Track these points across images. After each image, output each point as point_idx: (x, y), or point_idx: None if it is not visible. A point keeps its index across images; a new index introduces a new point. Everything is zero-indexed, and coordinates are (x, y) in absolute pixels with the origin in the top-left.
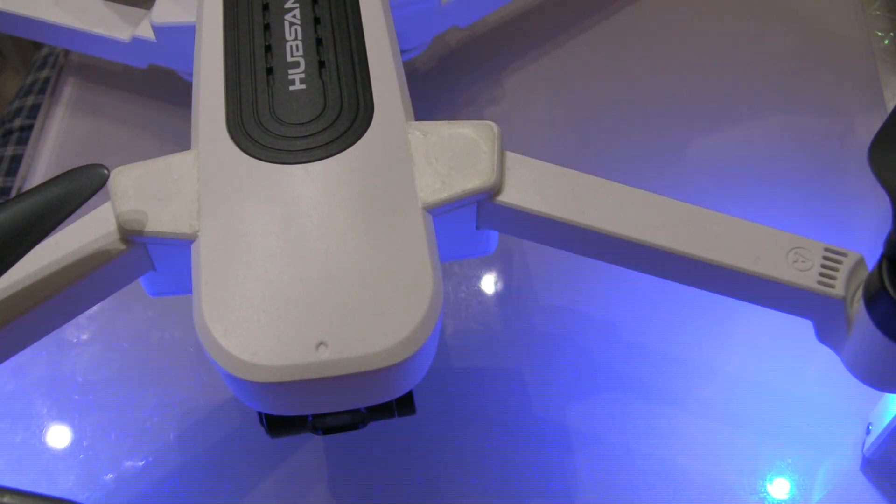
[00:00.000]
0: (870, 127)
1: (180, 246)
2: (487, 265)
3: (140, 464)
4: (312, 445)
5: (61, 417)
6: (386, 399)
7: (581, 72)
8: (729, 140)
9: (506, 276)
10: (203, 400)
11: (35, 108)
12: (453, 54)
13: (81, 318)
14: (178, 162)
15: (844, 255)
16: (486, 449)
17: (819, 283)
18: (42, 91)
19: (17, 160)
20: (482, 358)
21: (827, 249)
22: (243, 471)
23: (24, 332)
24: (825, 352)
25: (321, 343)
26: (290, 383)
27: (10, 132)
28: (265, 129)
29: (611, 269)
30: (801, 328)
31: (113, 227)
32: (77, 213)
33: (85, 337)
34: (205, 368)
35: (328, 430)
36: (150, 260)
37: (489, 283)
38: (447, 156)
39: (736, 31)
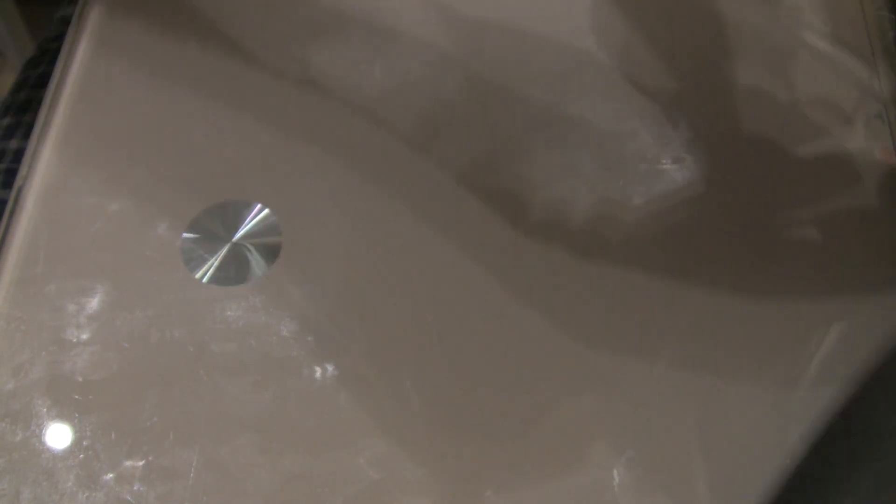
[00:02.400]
0: (869, 126)
1: None
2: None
3: (140, 464)
4: (313, 447)
5: (61, 417)
6: None
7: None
8: (727, 130)
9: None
10: (203, 399)
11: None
12: None
13: (82, 318)
14: None
15: None
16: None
17: None
18: (37, 85)
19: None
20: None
21: None
22: (244, 470)
23: None
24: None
25: None
26: None
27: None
28: None
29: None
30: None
31: None
32: None
33: (85, 337)
34: (205, 368)
35: None
36: None
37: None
38: None
39: (735, 27)
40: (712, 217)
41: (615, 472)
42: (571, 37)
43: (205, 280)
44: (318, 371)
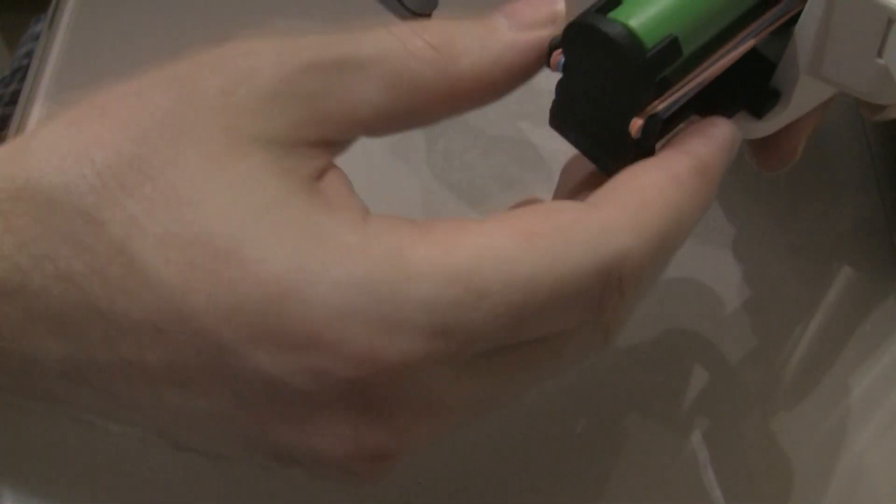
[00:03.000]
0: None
1: None
2: None
3: (140, 464)
4: None
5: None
6: None
7: None
8: None
9: None
10: None
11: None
12: None
13: None
14: None
15: None
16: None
17: None
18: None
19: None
20: None
21: None
22: (245, 471)
23: None
24: None
25: None
26: None
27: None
28: None
29: None
30: None
31: None
32: None
33: None
34: None
35: None
36: None
37: None
38: None
39: None
40: (709, 218)
41: None
42: None
43: None
44: None
